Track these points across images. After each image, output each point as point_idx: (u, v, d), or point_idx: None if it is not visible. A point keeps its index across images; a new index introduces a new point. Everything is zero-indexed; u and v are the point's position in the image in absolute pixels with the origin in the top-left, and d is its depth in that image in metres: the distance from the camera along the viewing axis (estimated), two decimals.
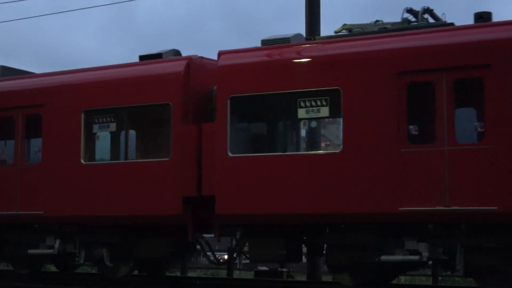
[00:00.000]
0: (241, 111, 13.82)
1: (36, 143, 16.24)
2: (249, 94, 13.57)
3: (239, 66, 13.83)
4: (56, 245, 15.59)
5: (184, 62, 14.45)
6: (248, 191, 13.31)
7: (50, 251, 15.72)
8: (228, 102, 13.61)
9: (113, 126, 15.14)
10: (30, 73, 17.98)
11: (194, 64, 14.50)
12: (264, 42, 14.05)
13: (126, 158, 15.00)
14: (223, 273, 22.04)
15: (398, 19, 13.75)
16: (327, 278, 19.16)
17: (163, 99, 14.45)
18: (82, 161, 15.21)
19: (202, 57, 14.91)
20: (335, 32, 14.37)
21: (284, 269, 17.84)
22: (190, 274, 21.78)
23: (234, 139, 13.61)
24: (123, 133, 15.17)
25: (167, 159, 14.32)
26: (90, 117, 15.29)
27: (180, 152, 14.12)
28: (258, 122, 14.43)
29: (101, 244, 15.27)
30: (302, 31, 17.10)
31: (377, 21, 14.14)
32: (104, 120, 15.18)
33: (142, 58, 15.40)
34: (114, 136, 15.40)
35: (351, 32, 14.08)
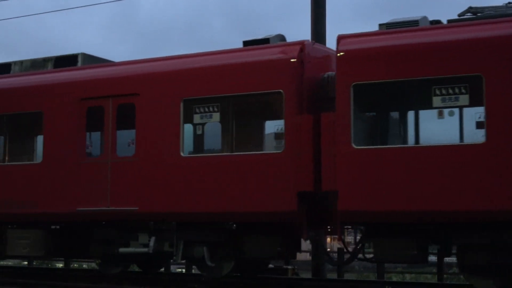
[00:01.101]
0: (365, 99, 12.78)
1: (127, 135, 15.25)
2: (375, 81, 12.53)
3: (363, 51, 12.78)
4: (152, 243, 14.59)
5: (297, 47, 13.43)
6: (375, 186, 12.27)
7: (144, 249, 14.72)
8: (351, 90, 12.57)
9: (216, 116, 14.13)
10: (110, 61, 17.01)
11: (307, 49, 13.48)
12: (388, 25, 13.00)
13: (232, 151, 13.95)
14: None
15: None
16: (332, 275, 19.17)
17: (274, 86, 13.43)
18: (181, 153, 14.21)
19: (314, 42, 13.86)
20: (459, 15, 13.33)
21: (289, 266, 17.31)
22: (194, 270, 20.85)
23: (358, 130, 12.58)
24: (227, 123, 14.12)
25: (279, 151, 13.32)
26: (190, 106, 14.29)
27: (294, 144, 13.12)
28: (384, 111, 13.34)
29: (201, 242, 14.28)
30: (307, 29, 17.10)
31: (509, 3, 13.10)
32: (207, 109, 14.17)
33: (246, 43, 14.38)
34: (218, 127, 14.37)
35: (477, 15, 13.05)
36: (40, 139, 16.33)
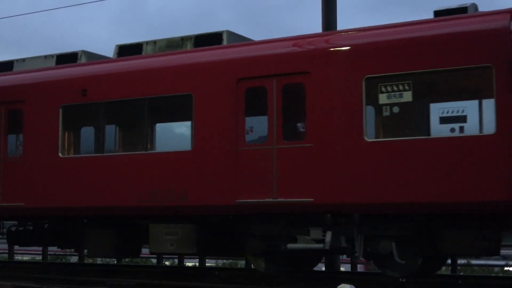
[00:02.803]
0: None
1: (294, 117, 13.75)
2: None
3: None
4: (328, 239, 13.08)
5: (507, 16, 11.88)
6: None
7: (319, 245, 13.21)
8: None
9: (408, 95, 12.57)
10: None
11: None
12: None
13: (428, 134, 12.42)
14: (241, 263, 21.29)
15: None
16: (345, 268, 18.91)
17: (481, 61, 11.87)
18: (365, 138, 12.68)
19: None
20: None
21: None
22: (208, 264, 21.14)
23: None
24: (420, 102, 12.57)
25: (490, 133, 11.79)
26: (374, 85, 12.75)
27: (507, 125, 11.58)
28: None
29: (387, 237, 12.77)
30: (317, 21, 16.74)
31: None
32: (396, 88, 12.62)
33: (438, 13, 12.83)
34: (410, 108, 12.81)
35: None
36: (187, 124, 14.81)
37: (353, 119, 12.76)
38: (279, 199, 13.34)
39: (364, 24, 15.49)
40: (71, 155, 16.03)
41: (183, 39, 15.62)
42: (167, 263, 23.16)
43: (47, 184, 15.82)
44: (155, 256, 21.77)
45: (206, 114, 14.18)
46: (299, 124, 13.63)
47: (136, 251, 16.25)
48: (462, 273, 18.95)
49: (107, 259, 24.05)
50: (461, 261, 20.16)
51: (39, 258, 24.28)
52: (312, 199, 13.00)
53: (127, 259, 23.51)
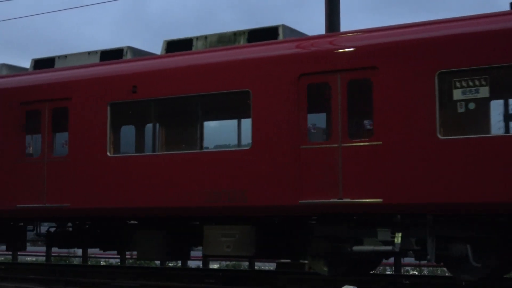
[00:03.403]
0: None
1: (360, 114, 13.22)
2: None
3: None
4: (397, 241, 12.55)
5: None
6: None
7: (387, 247, 12.67)
8: None
9: (484, 91, 12.02)
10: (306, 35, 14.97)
11: None
12: None
13: (507, 131, 11.88)
14: (245, 265, 21.24)
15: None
16: None
17: None
18: (438, 135, 12.13)
19: None
20: None
21: (306, 261, 16.02)
22: (211, 265, 21.17)
23: None
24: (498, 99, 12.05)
25: None
26: (447, 80, 12.21)
27: None
28: None
29: (463, 239, 12.23)
30: (319, 21, 16.97)
31: None
32: (471, 83, 12.08)
33: None
34: (486, 104, 12.27)
35: None
36: (246, 122, 14.28)
37: (425, 115, 12.23)
38: (345, 200, 12.81)
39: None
40: (121, 154, 15.52)
41: (236, 34, 15.09)
42: (170, 264, 23.16)
43: (95, 184, 15.30)
44: None
45: (265, 111, 13.66)
46: (366, 122, 13.10)
47: (186, 254, 15.73)
48: None
49: (110, 260, 24.34)
50: None
51: (42, 259, 24.09)
52: (381, 200, 12.46)
53: (130, 260, 23.73)
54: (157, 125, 15.06)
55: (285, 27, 14.62)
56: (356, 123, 13.18)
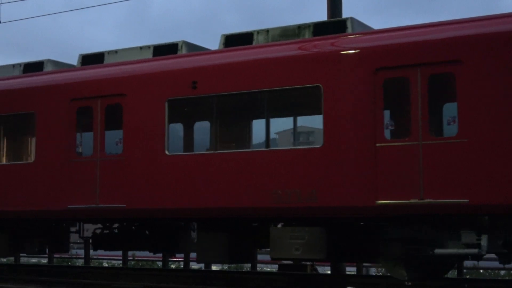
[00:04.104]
0: None
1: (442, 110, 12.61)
2: None
3: None
4: (484, 243, 11.91)
5: None
6: None
7: (473, 251, 12.03)
8: None
9: None
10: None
11: None
12: None
13: None
14: (247, 266, 21.26)
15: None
16: (351, 271, 18.63)
17: None
18: None
19: None
20: None
21: (308, 262, 16.27)
22: (213, 267, 21.15)
23: None
24: None
25: None
26: None
27: None
28: None
29: None
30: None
31: None
32: None
33: None
34: None
35: None
36: (317, 119, 13.65)
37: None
38: (426, 200, 12.17)
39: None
40: (180, 153, 14.90)
41: (300, 28, 14.48)
42: (172, 266, 22.91)
43: (152, 184, 14.67)
44: (161, 258, 21.30)
45: (338, 108, 13.03)
46: (449, 118, 12.46)
47: (249, 256, 15.10)
48: (468, 276, 18.61)
49: (113, 261, 24.36)
50: (468, 264, 19.66)
51: (44, 261, 23.78)
52: (467, 200, 11.82)
53: (132, 262, 23.57)
54: (218, 122, 14.42)
55: (353, 19, 14.01)
56: (437, 120, 12.54)
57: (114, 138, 15.57)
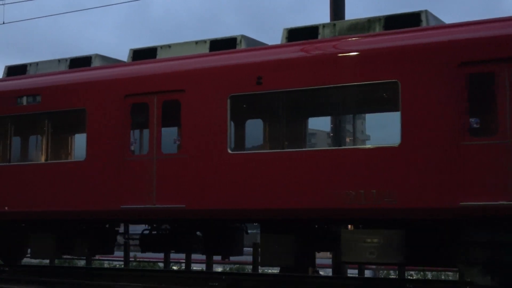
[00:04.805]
0: None
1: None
2: None
3: None
4: None
5: None
6: None
7: None
8: None
9: None
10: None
11: None
12: None
13: None
14: (248, 268, 21.14)
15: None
16: (353, 273, 18.34)
17: None
18: None
19: None
20: None
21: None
22: (215, 269, 21.04)
23: None
24: None
25: None
26: None
27: None
28: None
29: None
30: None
31: None
32: None
33: None
34: None
35: None
36: (393, 116, 13.02)
37: None
38: None
39: None
40: (243, 151, 14.29)
41: (370, 21, 13.87)
42: (174, 267, 22.70)
43: (213, 183, 14.05)
44: (162, 260, 21.15)
45: (417, 104, 12.41)
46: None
47: (313, 259, 14.49)
48: (469, 279, 17.95)
49: (114, 262, 24.31)
50: None
51: (46, 261, 23.44)
52: None
53: (134, 263, 23.41)
54: (286, 119, 13.78)
55: (428, 12, 13.39)
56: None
57: (170, 136, 14.97)
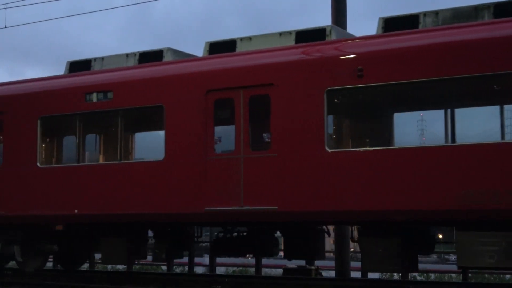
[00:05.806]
0: None
1: None
2: None
3: None
4: None
5: None
6: None
7: None
8: None
9: None
10: None
11: None
12: None
13: None
14: (251, 271, 21.17)
15: None
16: (356, 274, 18.33)
17: None
18: None
19: None
20: None
21: (313, 267, 16.82)
22: (218, 271, 21.00)
23: None
24: None
25: None
26: None
27: None
28: None
29: None
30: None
31: None
32: None
33: None
34: None
35: None
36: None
37: None
38: None
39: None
40: (342, 149, 13.40)
41: (477, 9, 13.00)
42: (177, 270, 22.51)
43: (308, 184, 13.14)
44: (165, 263, 20.63)
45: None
46: None
47: (416, 263, 13.61)
48: (473, 280, 18.39)
49: (118, 265, 23.09)
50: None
51: (49, 265, 22.83)
52: None
53: (137, 266, 23.22)
54: (391, 114, 12.89)
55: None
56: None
57: (257, 132, 14.09)
